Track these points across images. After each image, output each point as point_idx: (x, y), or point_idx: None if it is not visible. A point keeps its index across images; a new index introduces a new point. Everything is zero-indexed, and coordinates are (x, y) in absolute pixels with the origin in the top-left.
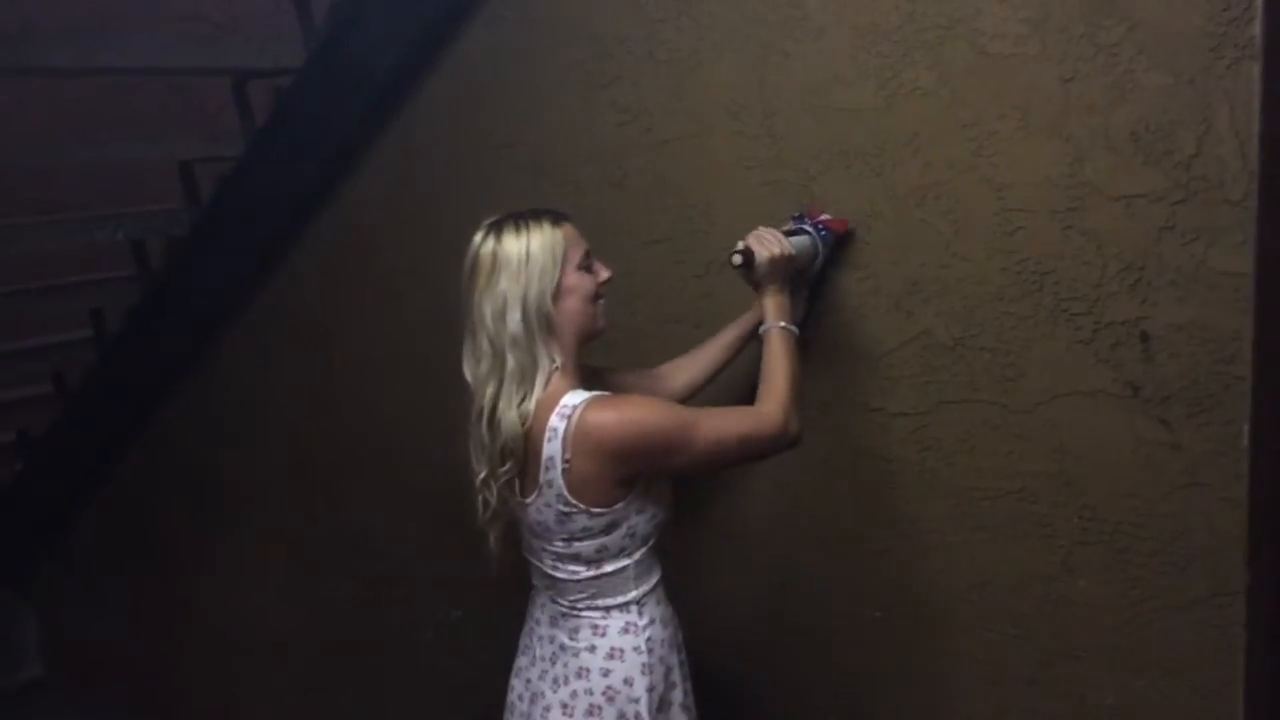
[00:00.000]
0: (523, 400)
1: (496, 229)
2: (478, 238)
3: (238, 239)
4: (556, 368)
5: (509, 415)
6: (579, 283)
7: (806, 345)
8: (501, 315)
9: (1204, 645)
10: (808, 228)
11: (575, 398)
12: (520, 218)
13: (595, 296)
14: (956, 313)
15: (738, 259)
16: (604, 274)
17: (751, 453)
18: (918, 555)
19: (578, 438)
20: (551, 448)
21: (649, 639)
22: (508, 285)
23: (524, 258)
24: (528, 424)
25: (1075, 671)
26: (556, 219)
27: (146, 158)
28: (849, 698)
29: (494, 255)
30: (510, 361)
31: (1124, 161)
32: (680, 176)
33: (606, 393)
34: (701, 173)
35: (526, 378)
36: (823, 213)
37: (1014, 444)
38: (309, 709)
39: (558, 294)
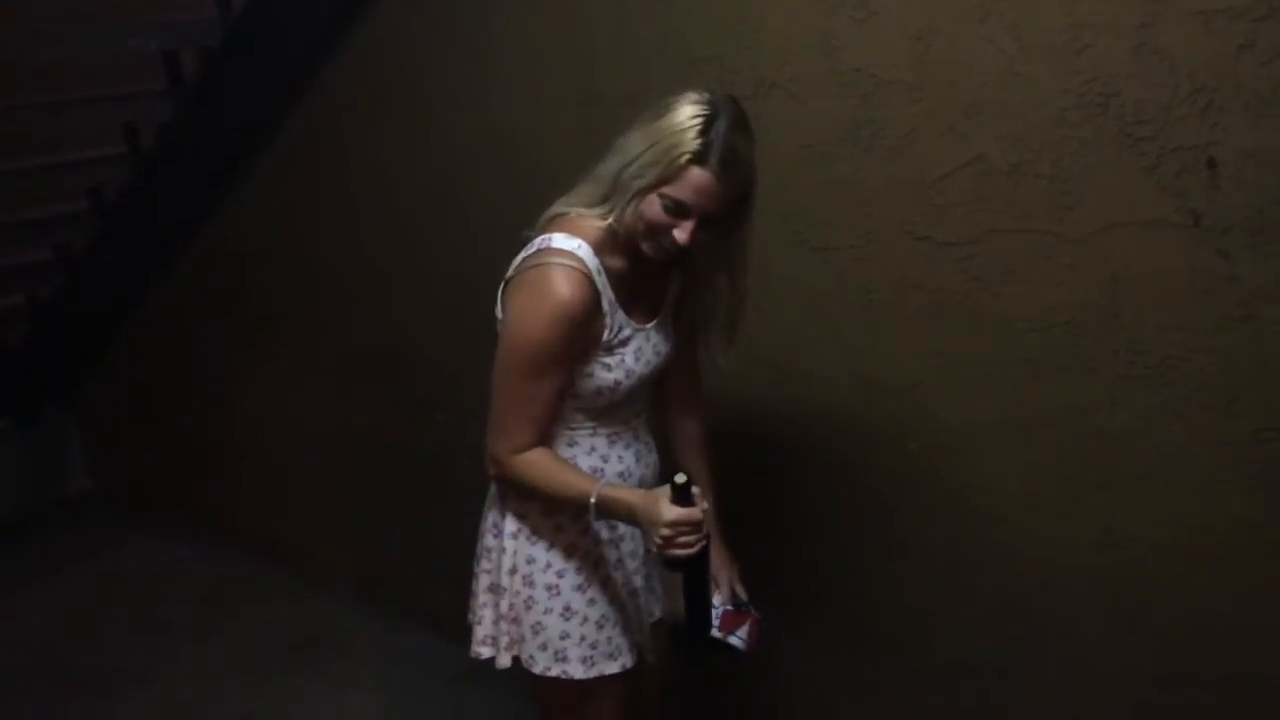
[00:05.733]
0: (555, 211)
1: (701, 104)
2: (689, 101)
3: (272, 52)
4: (596, 220)
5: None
6: (648, 208)
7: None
8: (615, 151)
9: (1240, 480)
10: (731, 639)
11: (555, 241)
12: (712, 119)
13: (649, 233)
14: (1014, 136)
15: (681, 480)
16: (674, 230)
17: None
18: (957, 387)
19: (515, 274)
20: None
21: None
22: (638, 140)
23: (658, 136)
24: (538, 227)
25: (1108, 503)
26: (702, 157)
27: None
28: (880, 528)
29: (660, 109)
30: (587, 182)
31: None
32: None
33: (567, 266)
34: None
35: (575, 197)
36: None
37: (1064, 275)
38: (345, 525)
39: (643, 190)
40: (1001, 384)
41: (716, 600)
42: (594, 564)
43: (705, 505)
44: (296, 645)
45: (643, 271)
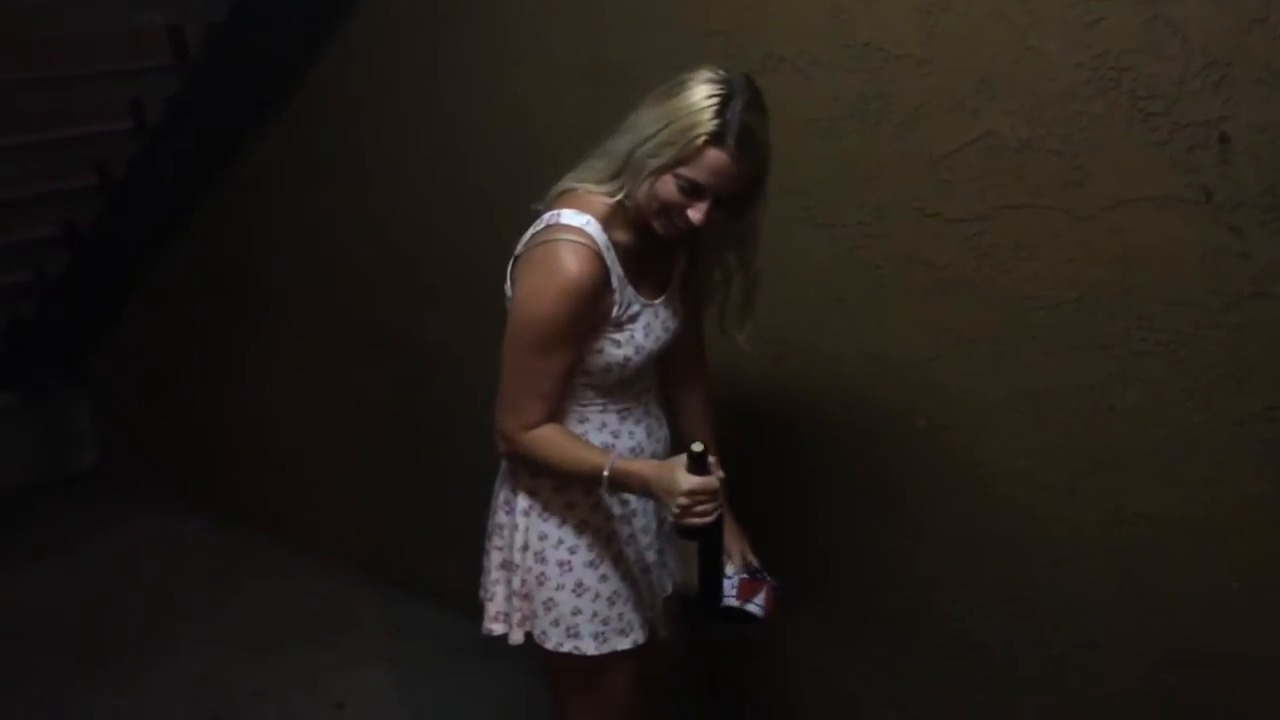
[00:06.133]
0: (563, 186)
1: (716, 83)
2: (704, 80)
3: (276, 27)
4: (604, 196)
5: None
6: (663, 188)
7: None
8: (627, 128)
9: (1251, 458)
10: (749, 606)
11: (564, 217)
12: (728, 99)
13: (662, 211)
14: (1025, 111)
15: (698, 449)
16: (688, 210)
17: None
18: (966, 364)
19: (524, 250)
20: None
21: None
22: (653, 118)
23: (674, 115)
24: (547, 202)
25: (1117, 481)
26: (719, 138)
27: None
28: (888, 504)
29: (675, 87)
30: (597, 158)
31: None
32: None
33: (576, 242)
34: None
35: (585, 173)
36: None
37: (1075, 251)
38: (351, 500)
39: (657, 170)
40: (1011, 361)
41: (730, 570)
42: (606, 540)
43: (721, 474)
44: (304, 620)
45: (650, 247)
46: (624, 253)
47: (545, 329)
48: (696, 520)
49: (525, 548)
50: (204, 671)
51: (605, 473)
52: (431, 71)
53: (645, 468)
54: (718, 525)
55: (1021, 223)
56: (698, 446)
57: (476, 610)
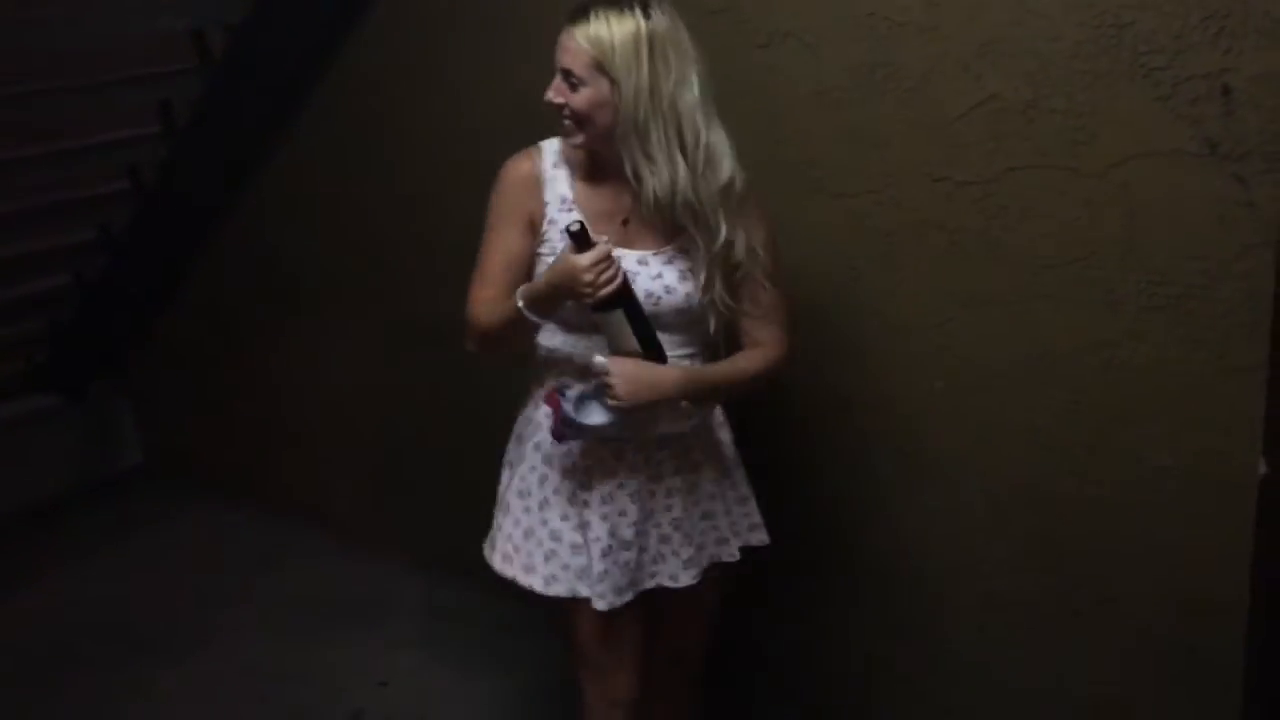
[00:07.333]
0: None
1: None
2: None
3: (297, 29)
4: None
5: None
6: None
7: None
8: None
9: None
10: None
11: None
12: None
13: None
14: (1028, 74)
15: (575, 226)
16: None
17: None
18: (980, 325)
19: None
20: None
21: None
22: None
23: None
24: None
25: (1135, 435)
26: (566, 20)
27: None
28: (908, 467)
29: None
30: None
31: None
32: None
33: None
34: None
35: None
36: None
37: (1082, 209)
38: (389, 488)
39: None
40: (1024, 321)
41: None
42: (570, 494)
43: (605, 238)
44: (347, 605)
45: (607, 182)
46: (584, 176)
47: (490, 214)
48: (610, 288)
49: (508, 465)
50: (251, 658)
51: (520, 304)
52: (454, 60)
53: (545, 276)
54: (628, 286)
55: (1029, 183)
56: (574, 225)
57: (513, 591)
